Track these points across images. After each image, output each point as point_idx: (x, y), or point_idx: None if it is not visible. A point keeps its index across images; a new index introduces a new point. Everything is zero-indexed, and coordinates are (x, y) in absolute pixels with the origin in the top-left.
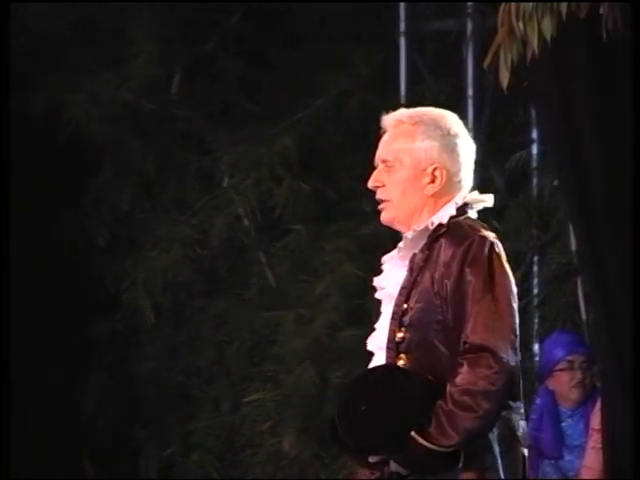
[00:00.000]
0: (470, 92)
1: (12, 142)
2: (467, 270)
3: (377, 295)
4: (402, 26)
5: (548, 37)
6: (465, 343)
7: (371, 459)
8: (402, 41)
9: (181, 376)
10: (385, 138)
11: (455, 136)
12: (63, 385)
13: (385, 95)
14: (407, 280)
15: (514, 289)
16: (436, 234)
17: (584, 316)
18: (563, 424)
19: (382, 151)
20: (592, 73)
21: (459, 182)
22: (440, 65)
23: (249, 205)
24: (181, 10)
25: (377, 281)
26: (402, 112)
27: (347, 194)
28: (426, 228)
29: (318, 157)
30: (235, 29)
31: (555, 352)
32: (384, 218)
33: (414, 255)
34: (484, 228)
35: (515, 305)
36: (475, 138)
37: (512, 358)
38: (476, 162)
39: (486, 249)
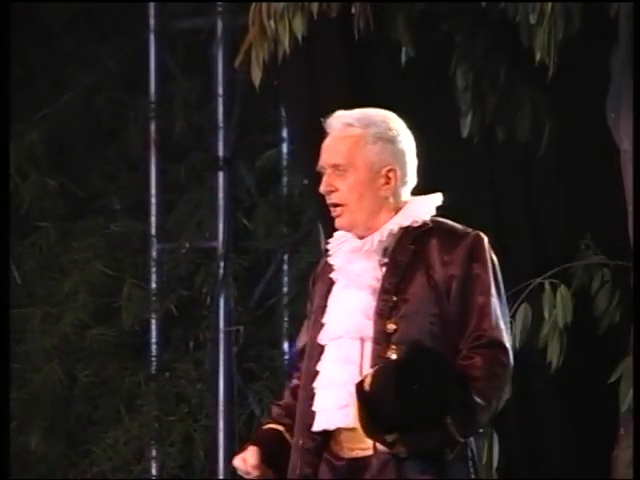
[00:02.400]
0: (220, 91)
1: None
2: (475, 265)
3: (342, 282)
4: (152, 23)
5: (299, 36)
6: (481, 337)
7: (389, 437)
8: (152, 38)
9: None
10: (332, 142)
11: (403, 137)
12: None
13: (134, 92)
14: (392, 274)
15: None
16: (419, 231)
17: None
18: None
19: (331, 155)
20: (343, 72)
21: (407, 182)
22: (190, 63)
23: None
24: None
25: (341, 269)
26: (348, 114)
27: (96, 191)
28: (410, 225)
29: (66, 154)
30: None
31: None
32: (341, 224)
33: (387, 250)
34: None
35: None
36: (225, 137)
37: (512, 356)
38: (226, 160)
39: (487, 245)
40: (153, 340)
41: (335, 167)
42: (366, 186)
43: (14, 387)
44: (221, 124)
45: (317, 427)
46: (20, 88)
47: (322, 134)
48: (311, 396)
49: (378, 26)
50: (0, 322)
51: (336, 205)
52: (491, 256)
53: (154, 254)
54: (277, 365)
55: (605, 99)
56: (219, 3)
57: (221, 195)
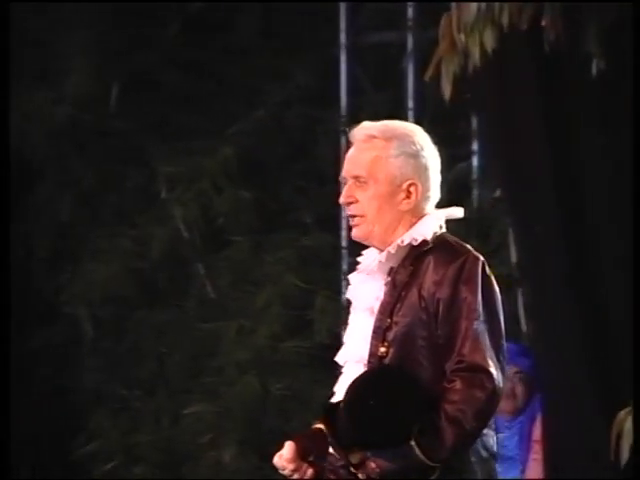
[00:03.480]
0: (410, 104)
1: None
2: (463, 288)
3: (353, 304)
4: (342, 38)
5: (490, 49)
6: (461, 362)
7: (353, 458)
8: (342, 53)
9: (122, 388)
10: (355, 153)
11: (427, 151)
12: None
13: (325, 107)
14: (390, 295)
15: (501, 309)
16: (420, 250)
17: (524, 327)
18: (500, 435)
19: (353, 166)
20: (534, 84)
21: (430, 197)
22: (380, 77)
23: (191, 216)
24: (119, 22)
25: (350, 292)
26: (372, 126)
27: (288, 205)
28: (410, 243)
29: (259, 168)
30: (173, 41)
31: None
32: (357, 234)
33: (392, 269)
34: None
35: (503, 325)
36: None
37: (502, 379)
38: None
39: (479, 268)
40: None
41: (356, 178)
42: (386, 199)
43: (208, 400)
44: None
45: None
46: (213, 104)
47: (514, 147)
48: None
49: (568, 38)
50: (1, 323)
51: (354, 216)
52: (484, 278)
53: (345, 267)
54: None
55: None
56: (410, 16)
57: None
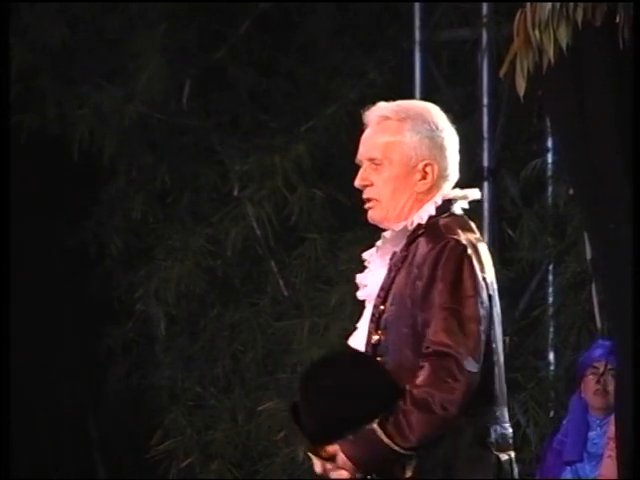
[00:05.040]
0: (485, 101)
1: (25, 154)
2: (439, 273)
3: (359, 294)
4: (417, 35)
5: (564, 45)
6: (428, 347)
7: (324, 453)
8: (417, 50)
9: (197, 386)
10: (369, 135)
11: (442, 130)
12: (77, 395)
13: None
14: (385, 280)
15: (484, 294)
16: (415, 234)
17: (599, 324)
18: (592, 432)
19: (368, 149)
20: (608, 82)
21: (447, 177)
22: (455, 74)
23: (264, 214)
24: (190, 20)
25: (359, 279)
26: (385, 107)
27: (361, 202)
28: (405, 227)
29: (332, 165)
30: (244, 39)
31: (585, 359)
32: (372, 216)
33: (394, 254)
34: (463, 228)
35: (483, 311)
36: (490, 147)
37: (474, 365)
38: (491, 171)
39: (457, 252)
40: None
41: (371, 161)
42: (401, 181)
43: (283, 397)
44: (486, 134)
45: None
46: (287, 102)
47: (589, 144)
48: None
49: None
50: (1, 323)
51: (370, 199)
52: (462, 262)
53: None
54: (542, 375)
55: None
56: (484, 13)
57: (486, 205)
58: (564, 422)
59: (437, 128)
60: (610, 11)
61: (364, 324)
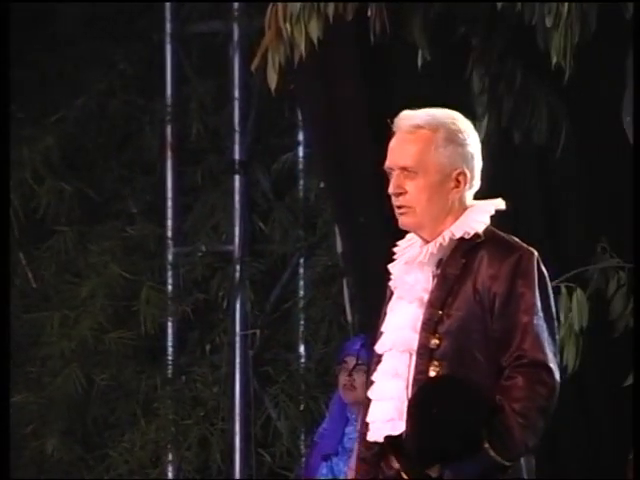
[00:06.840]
0: (237, 94)
1: None
2: (519, 282)
3: (397, 293)
4: (168, 27)
5: (315, 39)
6: (522, 357)
7: (432, 472)
8: (167, 42)
9: None
10: (401, 143)
11: (472, 139)
12: None
13: (150, 95)
14: (440, 287)
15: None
16: (472, 243)
17: (350, 318)
18: (350, 427)
19: (401, 157)
20: (359, 76)
21: (474, 186)
22: (206, 66)
23: (11, 206)
24: None
25: (397, 279)
26: (417, 116)
27: (112, 195)
28: (462, 236)
29: (82, 157)
30: None
31: (339, 353)
32: (406, 223)
33: (441, 261)
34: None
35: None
36: (241, 140)
37: (558, 374)
38: (242, 164)
39: (535, 263)
40: (169, 344)
41: (404, 169)
42: (436, 189)
43: (31, 391)
44: (237, 127)
45: (370, 438)
46: (35, 92)
47: (339, 138)
48: (367, 406)
49: (394, 29)
50: (1, 323)
51: (402, 207)
52: (540, 273)
53: (170, 257)
54: (293, 368)
55: (621, 102)
56: (235, 6)
57: (237, 198)
58: (326, 415)
59: (468, 136)
60: (361, 5)
61: (399, 326)
